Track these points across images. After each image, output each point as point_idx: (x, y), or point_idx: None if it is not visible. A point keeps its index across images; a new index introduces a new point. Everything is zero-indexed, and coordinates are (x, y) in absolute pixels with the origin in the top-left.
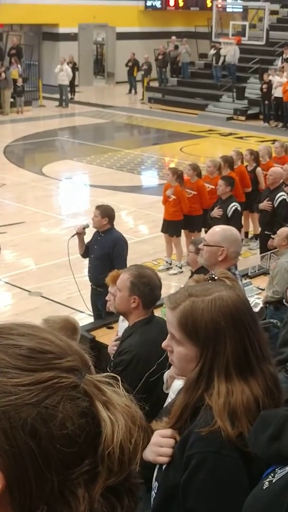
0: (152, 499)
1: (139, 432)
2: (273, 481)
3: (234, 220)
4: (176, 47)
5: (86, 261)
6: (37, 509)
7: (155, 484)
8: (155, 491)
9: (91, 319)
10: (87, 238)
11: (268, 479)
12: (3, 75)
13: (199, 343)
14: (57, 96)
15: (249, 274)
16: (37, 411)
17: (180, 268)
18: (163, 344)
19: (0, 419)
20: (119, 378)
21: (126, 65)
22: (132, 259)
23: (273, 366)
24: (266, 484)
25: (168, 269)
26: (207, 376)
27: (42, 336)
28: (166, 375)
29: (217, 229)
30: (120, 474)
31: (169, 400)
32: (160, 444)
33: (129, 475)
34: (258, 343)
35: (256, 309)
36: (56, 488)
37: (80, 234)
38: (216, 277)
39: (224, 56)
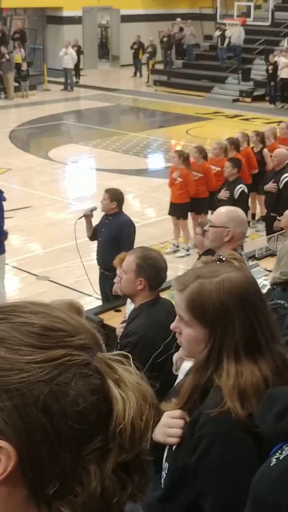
0: (162, 480)
1: (150, 409)
2: (280, 458)
3: (241, 202)
4: (181, 29)
5: (93, 244)
6: (49, 485)
7: (165, 465)
8: (165, 472)
9: (99, 303)
10: (95, 221)
11: (275, 456)
12: (6, 56)
13: (207, 325)
14: (62, 80)
15: (256, 256)
16: (50, 388)
17: (187, 250)
18: (172, 326)
19: (13, 396)
20: (130, 356)
21: (131, 47)
22: (139, 242)
23: (281, 346)
24: (273, 461)
25: (175, 251)
26: (216, 357)
27: (54, 314)
28: (176, 356)
29: (223, 210)
30: (131, 451)
31: (178, 381)
32: (170, 425)
33: (140, 452)
34: (266, 323)
35: (264, 291)
36: (68, 465)
37: (88, 216)
38: (224, 258)
39: (229, 37)
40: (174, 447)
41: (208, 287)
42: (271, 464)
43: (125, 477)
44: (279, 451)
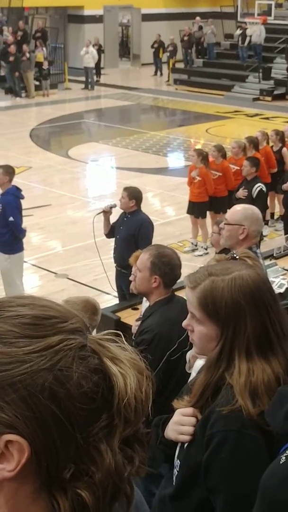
0: (174, 477)
1: (147, 381)
2: None
3: (259, 201)
4: (201, 27)
5: (112, 242)
6: (65, 470)
7: (177, 462)
8: (177, 469)
9: (117, 301)
10: (113, 219)
11: (285, 454)
12: (27, 55)
13: (219, 323)
14: (83, 78)
15: (274, 255)
16: (53, 375)
17: (206, 249)
18: (184, 324)
19: (18, 388)
20: (120, 333)
21: (152, 46)
22: (158, 241)
23: None
24: (283, 459)
25: (193, 250)
26: (228, 355)
27: (41, 303)
28: (189, 354)
29: (238, 208)
30: (136, 423)
31: (191, 379)
32: (182, 423)
33: (140, 426)
34: (278, 321)
35: (281, 290)
36: (81, 446)
37: (107, 213)
38: (237, 257)
39: (250, 36)
40: (185, 445)
41: (220, 284)
42: (281, 462)
43: (130, 451)
44: None
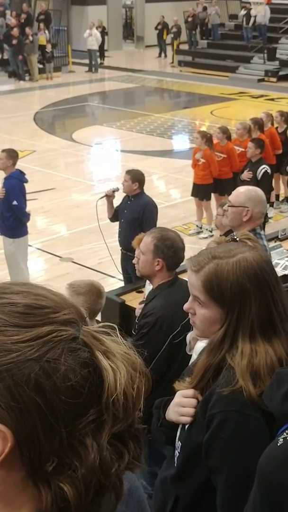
0: (175, 458)
1: (140, 377)
2: (287, 438)
3: (264, 183)
4: (205, 8)
5: (116, 226)
6: (47, 462)
7: (178, 443)
8: (179, 451)
9: (122, 284)
10: (117, 202)
11: (282, 436)
12: (30, 37)
13: (224, 305)
14: (87, 61)
15: (279, 236)
16: (40, 366)
17: (211, 232)
18: (185, 307)
19: (3, 377)
20: (115, 326)
21: (156, 28)
22: (163, 223)
23: None
24: (280, 441)
25: (198, 233)
26: (232, 337)
27: (36, 292)
28: (189, 336)
29: (242, 189)
30: (126, 420)
31: (192, 361)
32: (183, 404)
33: (133, 421)
34: (281, 302)
35: (286, 272)
36: (65, 440)
37: (110, 197)
38: (237, 239)
39: (255, 16)
40: (186, 426)
41: (224, 267)
42: (278, 444)
43: (121, 447)
44: (286, 431)
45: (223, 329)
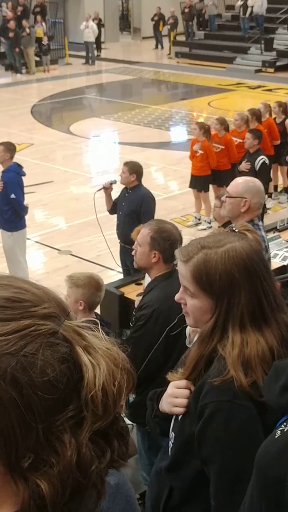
0: (169, 449)
1: (123, 374)
2: (285, 430)
3: (262, 174)
4: None
5: (115, 218)
6: (23, 458)
7: (172, 434)
8: (172, 441)
9: (121, 276)
10: (115, 195)
11: (280, 428)
12: (27, 30)
13: (213, 296)
14: (83, 53)
15: (278, 227)
16: (17, 360)
17: (209, 223)
18: (176, 297)
19: None
20: (98, 322)
21: (152, 19)
22: (161, 215)
23: (287, 315)
24: (278, 433)
25: (197, 224)
26: (222, 327)
27: (17, 285)
28: (189, 329)
29: (240, 180)
30: (106, 418)
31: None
32: (176, 395)
33: (117, 418)
34: (271, 292)
35: (285, 262)
36: (41, 436)
37: (107, 189)
38: (236, 230)
39: (252, 7)
40: (180, 417)
41: (213, 257)
42: (276, 436)
43: (104, 444)
44: (285, 423)
45: (213, 319)
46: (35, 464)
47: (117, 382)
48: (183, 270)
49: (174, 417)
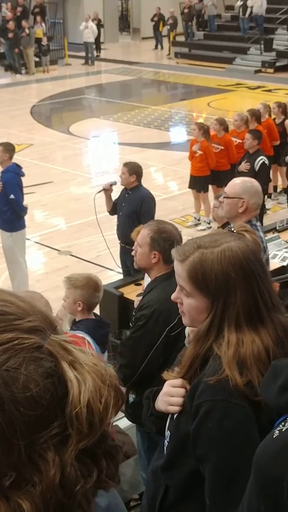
0: (165, 448)
1: (110, 391)
2: (283, 430)
3: (261, 174)
4: None
5: (115, 219)
6: (5, 477)
7: (167, 433)
8: (168, 440)
9: (121, 277)
10: (115, 195)
11: (278, 428)
12: (26, 30)
13: (209, 295)
14: (83, 54)
15: (277, 228)
16: None
17: (209, 223)
18: (172, 296)
19: None
20: (85, 338)
21: (152, 20)
22: (161, 216)
23: (283, 315)
24: (276, 433)
25: (196, 225)
26: (218, 327)
27: (2, 298)
28: (188, 329)
29: (237, 181)
30: (92, 436)
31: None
32: (171, 394)
33: (105, 437)
34: (267, 292)
35: (284, 263)
36: (23, 453)
37: (107, 190)
38: (234, 231)
39: (251, 7)
40: (175, 416)
41: (209, 257)
42: (274, 436)
43: (91, 464)
44: (283, 423)
45: (208, 319)
46: (17, 482)
47: (104, 399)
48: (179, 269)
49: (169, 415)
